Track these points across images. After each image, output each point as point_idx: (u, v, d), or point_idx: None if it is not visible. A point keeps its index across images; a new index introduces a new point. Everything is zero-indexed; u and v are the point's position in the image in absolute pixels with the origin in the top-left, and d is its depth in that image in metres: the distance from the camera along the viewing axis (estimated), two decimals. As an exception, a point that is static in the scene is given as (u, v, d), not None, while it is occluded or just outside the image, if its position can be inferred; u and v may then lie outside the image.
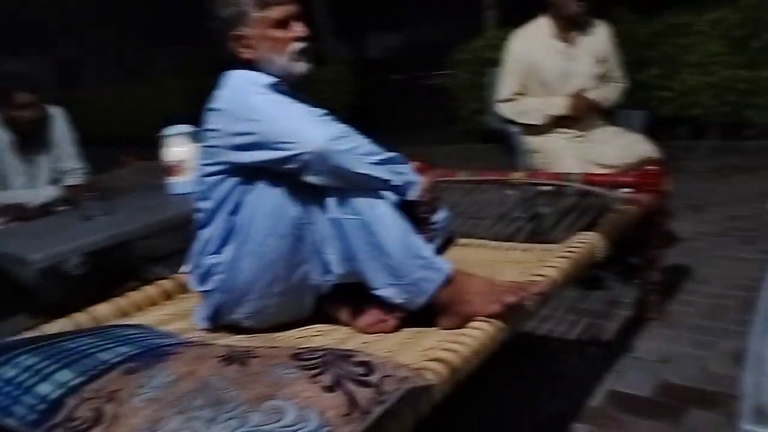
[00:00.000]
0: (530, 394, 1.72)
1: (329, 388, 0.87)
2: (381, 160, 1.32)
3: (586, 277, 2.12)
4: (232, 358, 0.96)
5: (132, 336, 1.15)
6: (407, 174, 1.40)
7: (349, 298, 1.36)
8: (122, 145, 5.57)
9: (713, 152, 4.49)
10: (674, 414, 1.55)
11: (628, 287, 2.26)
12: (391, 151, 1.39)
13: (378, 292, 1.29)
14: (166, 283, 1.66)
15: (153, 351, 1.06)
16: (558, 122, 2.46)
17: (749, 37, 4.46)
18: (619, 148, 2.34)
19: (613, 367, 1.79)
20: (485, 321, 1.21)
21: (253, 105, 1.29)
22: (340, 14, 8.53)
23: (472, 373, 1.13)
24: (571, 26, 2.46)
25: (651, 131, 2.62)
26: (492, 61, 3.02)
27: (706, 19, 4.65)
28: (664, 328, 1.99)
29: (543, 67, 2.47)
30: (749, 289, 2.10)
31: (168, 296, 1.64)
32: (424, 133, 6.60)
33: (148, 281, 1.72)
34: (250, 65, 1.38)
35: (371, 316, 1.33)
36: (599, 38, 2.50)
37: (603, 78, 2.50)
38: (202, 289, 1.40)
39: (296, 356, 0.95)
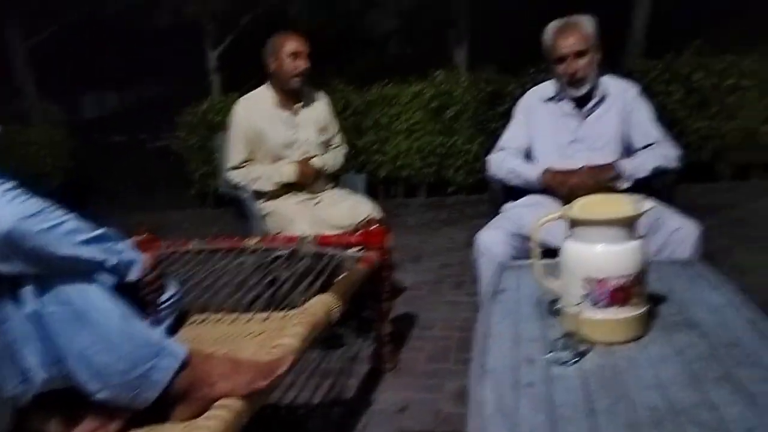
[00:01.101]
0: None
1: None
2: (91, 238, 1.15)
3: (325, 336, 2.15)
4: None
5: None
6: (125, 251, 1.25)
7: (61, 404, 1.15)
8: None
9: (423, 208, 5.09)
10: (415, 461, 1.63)
11: (365, 341, 2.36)
12: (111, 222, 1.24)
13: (97, 398, 1.10)
14: None
15: None
16: (287, 188, 2.52)
17: (442, 108, 5.24)
18: (346, 209, 2.48)
19: (357, 425, 1.83)
20: (224, 406, 1.13)
21: None
22: (50, 71, 7.68)
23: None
24: (292, 97, 2.56)
25: (371, 192, 2.86)
26: (219, 125, 2.99)
27: (408, 92, 5.34)
28: (398, 377, 2.12)
29: (268, 136, 2.52)
30: (465, 329, 2.38)
31: None
32: (153, 198, 6.22)
33: None
34: None
35: (89, 423, 1.13)
36: (320, 107, 2.65)
37: (326, 145, 2.65)
38: None
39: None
